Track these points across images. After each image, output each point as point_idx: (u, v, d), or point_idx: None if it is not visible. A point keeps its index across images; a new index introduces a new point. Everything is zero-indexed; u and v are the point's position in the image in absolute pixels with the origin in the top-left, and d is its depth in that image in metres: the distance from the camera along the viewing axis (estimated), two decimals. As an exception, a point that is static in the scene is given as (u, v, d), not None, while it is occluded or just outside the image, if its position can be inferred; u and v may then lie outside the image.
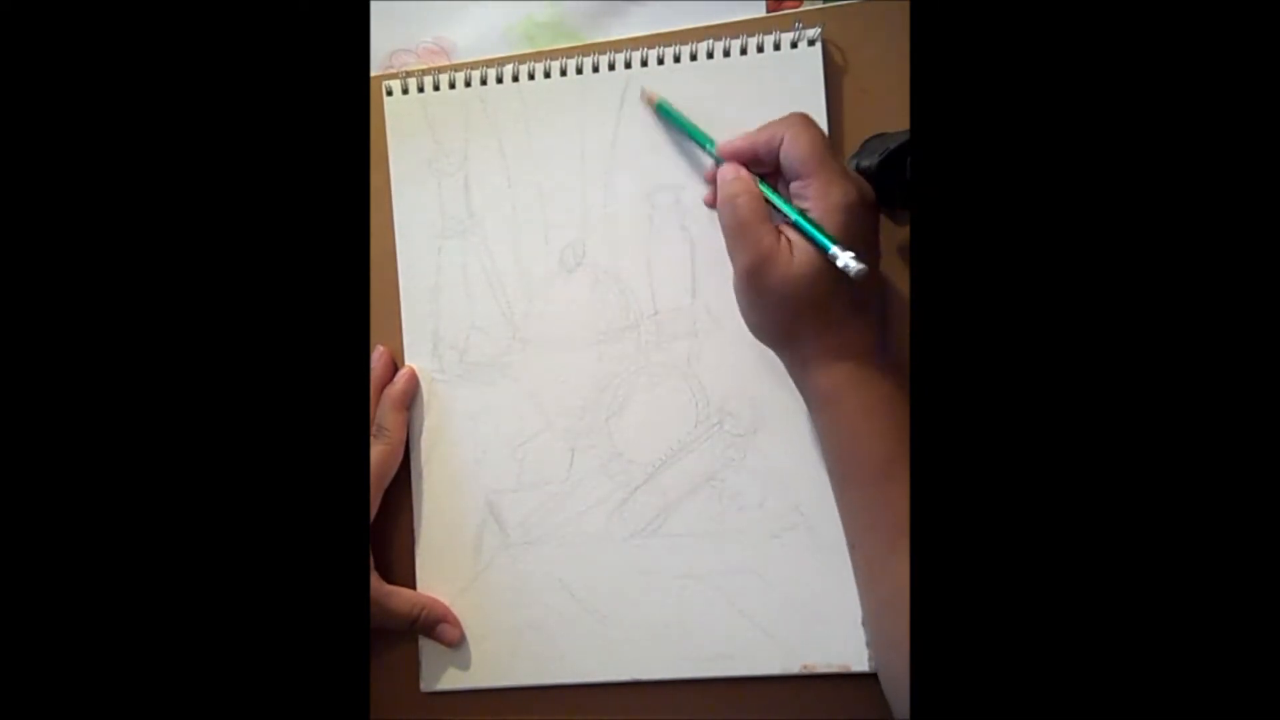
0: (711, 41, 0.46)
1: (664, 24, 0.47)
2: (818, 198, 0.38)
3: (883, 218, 0.45)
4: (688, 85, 0.46)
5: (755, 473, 0.45)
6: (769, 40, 0.45)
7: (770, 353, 0.42)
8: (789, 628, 0.44)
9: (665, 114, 0.45)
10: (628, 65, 0.46)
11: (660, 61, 0.46)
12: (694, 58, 0.46)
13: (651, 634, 0.45)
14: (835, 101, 0.45)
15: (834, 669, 0.43)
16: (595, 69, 0.47)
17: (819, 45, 0.45)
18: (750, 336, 0.42)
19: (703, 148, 0.44)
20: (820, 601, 0.43)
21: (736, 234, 0.40)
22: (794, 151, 0.39)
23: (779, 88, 0.45)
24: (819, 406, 0.41)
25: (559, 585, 0.46)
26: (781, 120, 0.41)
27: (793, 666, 0.43)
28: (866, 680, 0.43)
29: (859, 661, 0.43)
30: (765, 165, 0.41)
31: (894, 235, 0.44)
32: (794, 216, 0.39)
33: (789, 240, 0.39)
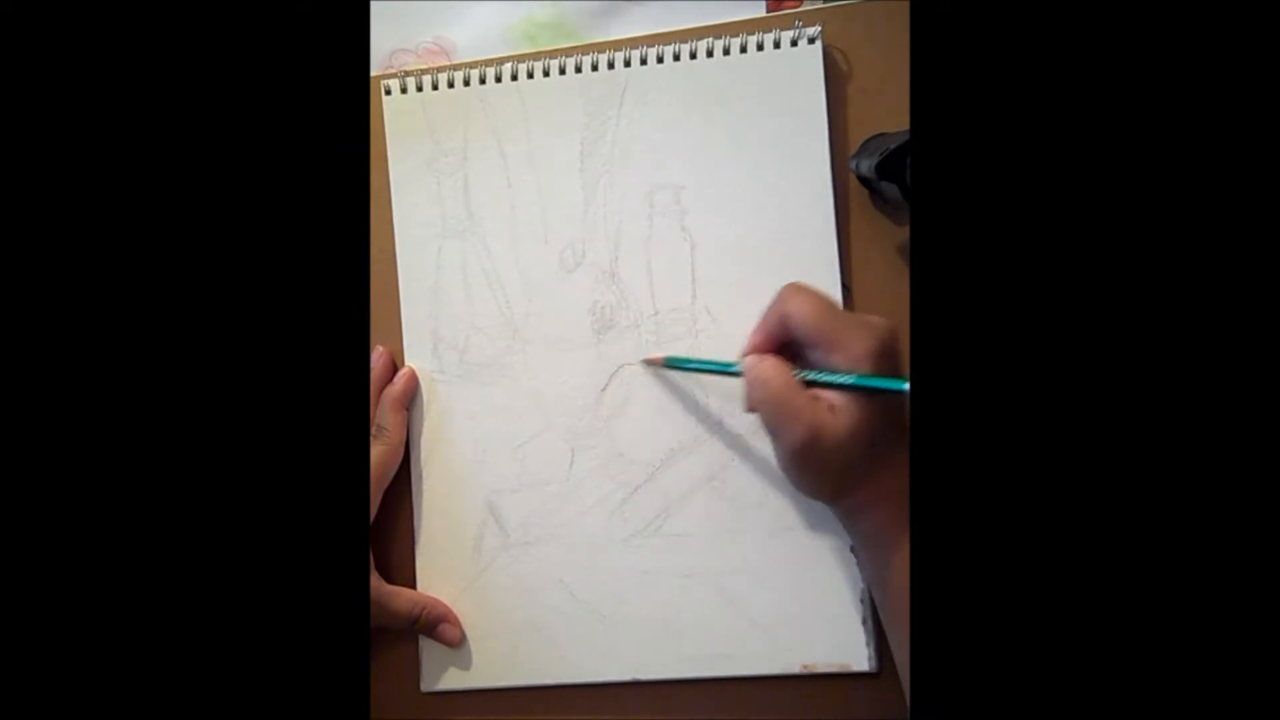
0: (711, 41, 0.46)
1: (664, 24, 0.47)
2: (843, 354, 0.38)
3: (882, 217, 0.45)
4: (687, 85, 0.46)
5: (755, 473, 0.45)
6: (769, 40, 0.45)
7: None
8: (789, 628, 0.44)
9: (678, 365, 0.44)
10: (627, 65, 0.46)
11: (660, 61, 0.46)
12: (694, 57, 0.46)
13: (651, 634, 0.45)
14: (835, 101, 0.45)
15: (834, 669, 0.43)
16: (595, 68, 0.47)
17: (819, 45, 0.45)
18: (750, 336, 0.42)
19: (725, 373, 0.43)
20: (820, 601, 0.43)
21: (776, 412, 0.38)
22: (802, 322, 0.39)
23: (779, 88, 0.45)
24: (868, 547, 0.40)
25: (559, 585, 0.46)
26: (778, 296, 0.40)
27: (793, 666, 0.43)
28: (866, 680, 0.43)
29: (859, 661, 0.43)
30: (784, 348, 0.40)
31: (894, 235, 0.44)
32: (847, 381, 0.37)
33: (829, 404, 0.38)
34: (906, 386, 0.36)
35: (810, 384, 0.39)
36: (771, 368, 0.39)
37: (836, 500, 0.41)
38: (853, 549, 0.43)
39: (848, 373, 0.37)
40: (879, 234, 0.45)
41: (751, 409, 0.41)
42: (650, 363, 0.45)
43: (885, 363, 0.37)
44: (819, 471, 0.39)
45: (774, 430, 0.39)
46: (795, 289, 0.40)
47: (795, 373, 0.39)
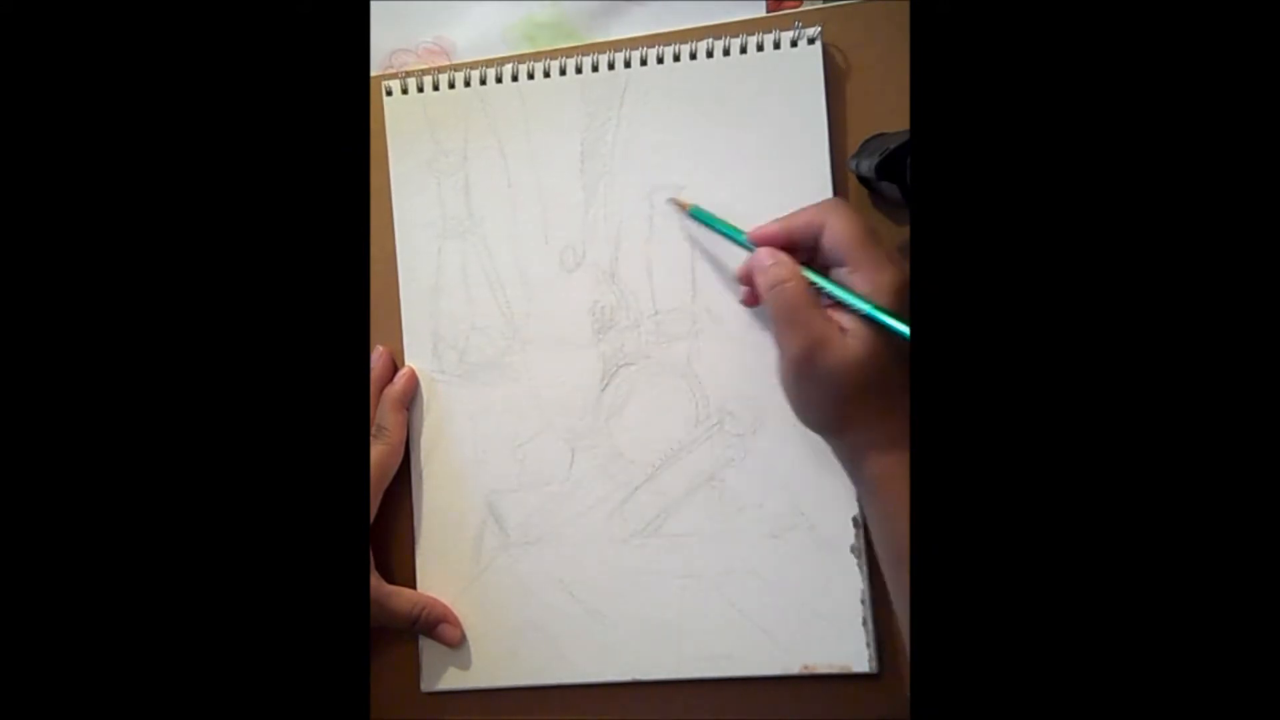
0: (711, 41, 0.46)
1: (664, 24, 0.47)
2: (867, 283, 0.37)
3: (882, 218, 0.45)
4: (688, 85, 0.46)
5: (755, 473, 0.45)
6: (769, 40, 0.45)
7: (771, 353, 0.42)
8: (789, 628, 0.44)
9: (699, 217, 0.44)
10: (627, 65, 0.46)
11: (660, 61, 0.46)
12: (694, 57, 0.46)
13: (651, 634, 0.45)
14: (835, 101, 0.45)
15: (834, 669, 0.43)
16: (595, 69, 0.47)
17: (819, 45, 0.45)
18: (750, 335, 0.42)
19: (734, 240, 0.42)
20: (820, 601, 0.43)
21: (787, 320, 0.38)
22: (838, 238, 0.38)
23: (779, 87, 0.45)
24: (872, 493, 0.39)
25: (559, 585, 0.46)
26: (818, 206, 0.40)
27: (793, 666, 0.43)
28: (866, 680, 0.43)
29: (859, 661, 0.43)
30: (801, 252, 0.40)
31: (894, 235, 0.44)
32: (857, 303, 0.37)
33: (840, 325, 0.37)
34: (908, 331, 0.35)
35: (822, 291, 0.38)
36: (788, 269, 0.39)
37: (836, 433, 0.40)
38: (853, 548, 0.43)
39: (864, 298, 0.37)
40: (879, 234, 0.45)
41: (751, 303, 0.40)
42: (676, 203, 0.45)
43: (904, 303, 0.37)
44: (817, 392, 0.38)
45: (778, 334, 0.39)
46: (839, 204, 0.40)
47: (813, 273, 0.39)
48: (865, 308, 0.37)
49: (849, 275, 0.38)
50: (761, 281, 0.39)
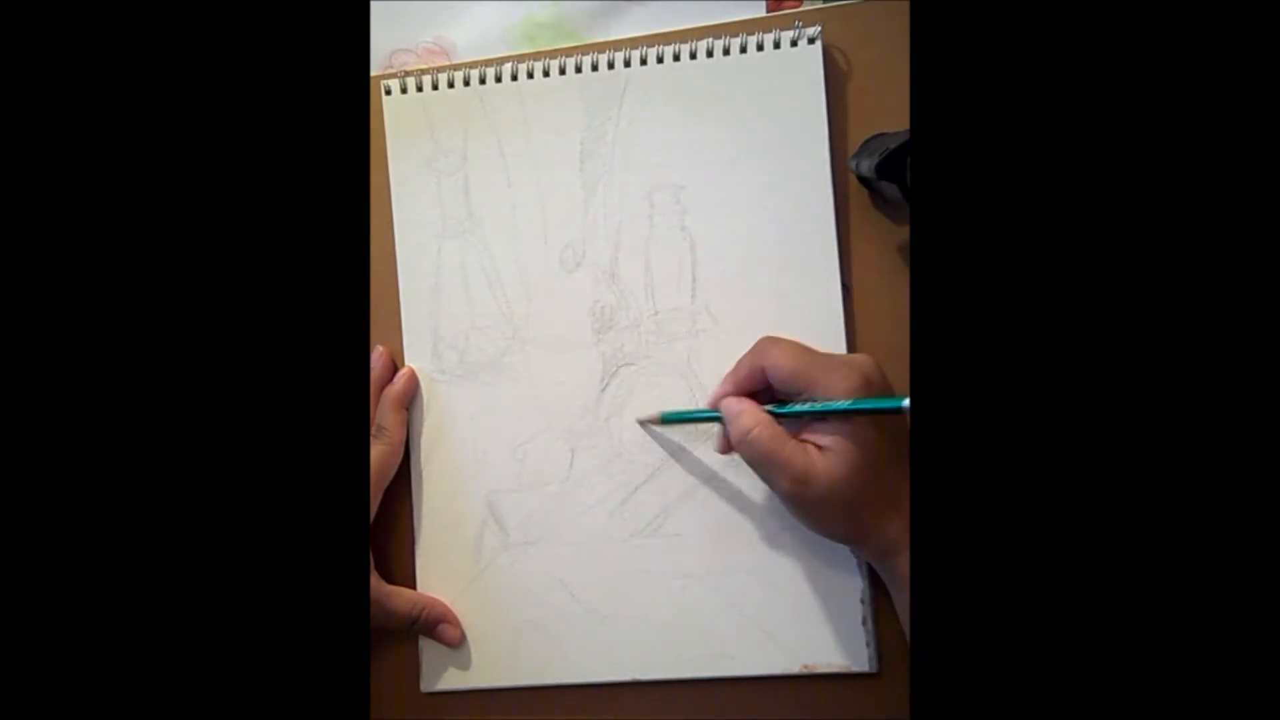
0: (711, 41, 0.46)
1: (664, 24, 0.47)
2: (832, 393, 0.37)
3: (882, 217, 0.45)
4: (688, 85, 0.46)
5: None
6: (769, 40, 0.45)
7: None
8: (789, 628, 0.44)
9: (673, 419, 0.44)
10: (627, 64, 0.46)
11: (660, 61, 0.46)
12: (694, 57, 0.46)
13: (651, 634, 0.45)
14: (835, 101, 0.45)
15: (834, 669, 0.43)
16: (595, 68, 0.47)
17: (819, 45, 0.45)
18: (750, 335, 0.42)
19: (713, 420, 0.42)
20: (820, 601, 0.43)
21: (765, 465, 0.38)
22: (780, 372, 0.39)
23: (779, 87, 0.45)
24: (904, 591, 0.39)
25: (559, 585, 0.46)
26: (752, 351, 0.41)
27: (793, 666, 0.43)
28: (866, 680, 0.43)
29: (859, 662, 0.43)
30: (761, 395, 0.41)
31: (894, 235, 0.44)
32: (838, 406, 0.37)
33: (818, 446, 0.38)
34: (906, 403, 0.35)
35: (801, 417, 0.39)
36: (752, 417, 0.39)
37: (855, 542, 0.41)
38: (854, 551, 0.43)
39: (840, 400, 0.37)
40: (879, 234, 0.45)
41: (727, 451, 0.41)
42: (648, 421, 0.45)
43: (875, 390, 0.38)
44: (819, 518, 0.39)
45: (766, 480, 0.40)
46: (771, 341, 0.41)
47: (783, 408, 0.39)
48: (847, 405, 0.37)
49: (811, 397, 0.38)
50: (731, 435, 0.40)
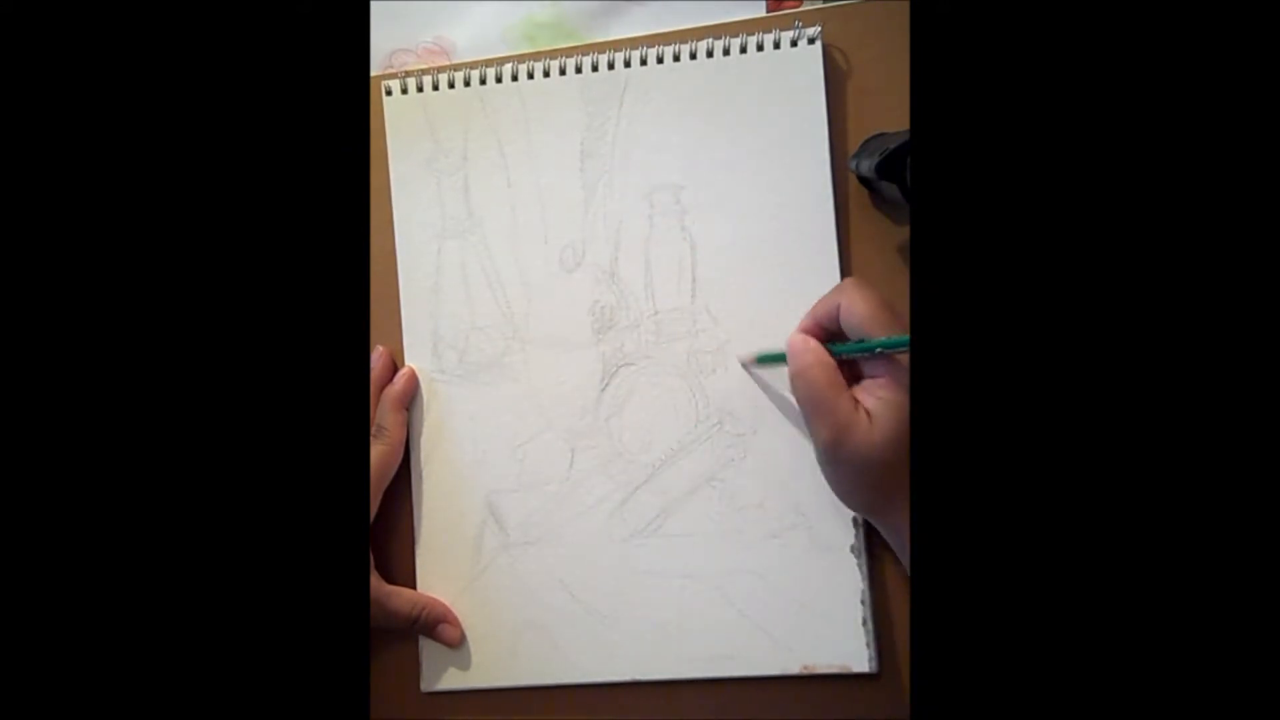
0: (711, 41, 0.46)
1: (664, 24, 0.47)
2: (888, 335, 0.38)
3: (882, 217, 0.45)
4: (688, 85, 0.46)
5: (755, 473, 0.45)
6: (769, 40, 0.45)
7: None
8: (789, 628, 0.44)
9: (767, 359, 0.44)
10: (627, 64, 0.46)
11: (660, 61, 0.46)
12: (694, 57, 0.46)
13: (651, 634, 0.45)
14: (835, 101, 0.45)
15: (834, 669, 0.43)
16: (595, 68, 0.47)
17: (819, 45, 0.45)
18: (750, 336, 0.42)
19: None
20: (820, 601, 0.43)
21: (813, 406, 0.39)
22: (854, 315, 0.39)
23: (779, 87, 0.45)
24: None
25: (559, 585, 0.46)
26: (835, 288, 0.41)
27: (793, 666, 0.43)
28: (866, 680, 0.43)
29: (859, 661, 0.43)
30: (835, 336, 0.41)
31: (894, 235, 0.44)
32: (882, 344, 0.37)
33: (867, 410, 0.38)
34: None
35: (847, 362, 0.39)
36: (815, 359, 0.39)
37: (878, 514, 0.40)
38: (852, 548, 0.43)
39: (888, 374, 0.37)
40: (879, 234, 0.45)
41: (793, 388, 0.41)
42: (746, 363, 0.45)
43: None
44: (849, 477, 0.39)
45: (809, 424, 0.40)
46: (852, 283, 0.40)
47: (841, 346, 0.39)
48: (893, 341, 0.37)
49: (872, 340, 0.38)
50: (790, 368, 0.40)
